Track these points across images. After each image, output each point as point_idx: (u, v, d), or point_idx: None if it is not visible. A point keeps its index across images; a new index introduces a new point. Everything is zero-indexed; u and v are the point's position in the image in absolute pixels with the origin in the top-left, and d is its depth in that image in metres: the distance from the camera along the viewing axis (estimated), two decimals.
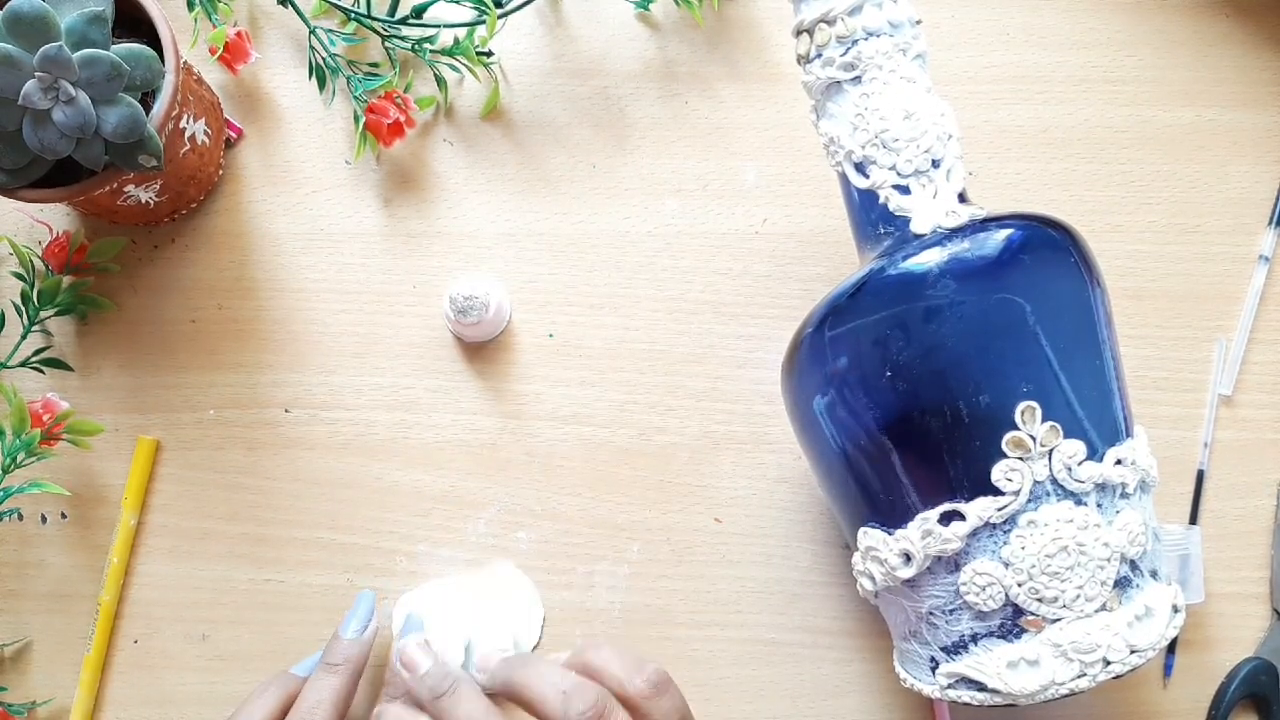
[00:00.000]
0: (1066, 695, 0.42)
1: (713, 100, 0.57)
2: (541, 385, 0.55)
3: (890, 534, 0.43)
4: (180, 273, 0.56)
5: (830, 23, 0.43)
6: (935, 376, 0.41)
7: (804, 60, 0.45)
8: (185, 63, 0.50)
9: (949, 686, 0.44)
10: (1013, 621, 0.42)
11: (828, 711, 0.53)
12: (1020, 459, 0.41)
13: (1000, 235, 0.42)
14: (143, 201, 0.52)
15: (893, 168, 0.44)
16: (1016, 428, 0.41)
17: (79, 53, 0.44)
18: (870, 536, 0.44)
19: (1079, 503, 0.41)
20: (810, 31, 0.44)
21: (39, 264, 0.55)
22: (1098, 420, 0.42)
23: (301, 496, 0.55)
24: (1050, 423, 0.41)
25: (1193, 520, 0.54)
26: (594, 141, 0.57)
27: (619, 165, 0.57)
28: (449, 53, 0.55)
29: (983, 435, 0.41)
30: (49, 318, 0.55)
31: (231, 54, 0.55)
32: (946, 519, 0.42)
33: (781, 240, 0.56)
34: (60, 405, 0.52)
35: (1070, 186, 0.56)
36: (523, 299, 0.56)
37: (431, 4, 0.55)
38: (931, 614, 0.43)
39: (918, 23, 0.45)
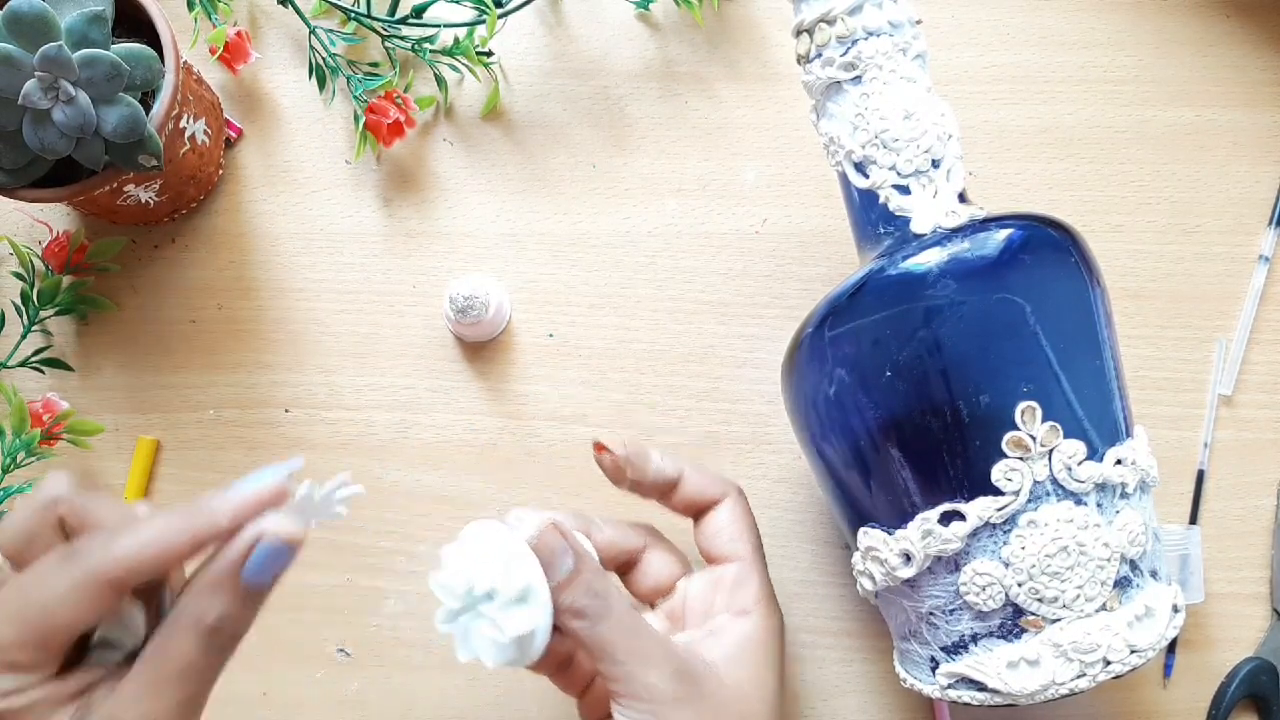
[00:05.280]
0: (1066, 695, 0.42)
1: (713, 100, 0.57)
2: (541, 385, 0.55)
3: (890, 534, 0.43)
4: (180, 273, 0.56)
5: (830, 22, 0.43)
6: (935, 376, 0.41)
7: (804, 60, 0.45)
8: (185, 63, 0.50)
9: (949, 686, 0.44)
10: (1013, 621, 0.42)
11: (828, 711, 0.53)
12: (1020, 459, 0.41)
13: (1000, 235, 0.42)
14: (143, 201, 0.52)
15: (893, 168, 0.43)
16: (1016, 428, 0.41)
17: (79, 53, 0.44)
18: (870, 536, 0.44)
19: (1079, 503, 0.41)
20: (810, 31, 0.44)
21: (39, 264, 0.55)
22: (1098, 420, 0.42)
23: None
24: (1050, 423, 0.41)
25: (1193, 520, 0.54)
26: (594, 141, 0.57)
27: (619, 165, 0.57)
28: (449, 53, 0.55)
29: (983, 435, 0.41)
30: (49, 317, 0.55)
31: (231, 54, 0.55)
32: (946, 519, 0.42)
33: (781, 240, 0.56)
34: (60, 405, 0.52)
35: (1070, 186, 0.56)
36: (523, 299, 0.56)
37: (431, 4, 0.55)
38: (931, 614, 0.43)
39: (918, 23, 0.45)
